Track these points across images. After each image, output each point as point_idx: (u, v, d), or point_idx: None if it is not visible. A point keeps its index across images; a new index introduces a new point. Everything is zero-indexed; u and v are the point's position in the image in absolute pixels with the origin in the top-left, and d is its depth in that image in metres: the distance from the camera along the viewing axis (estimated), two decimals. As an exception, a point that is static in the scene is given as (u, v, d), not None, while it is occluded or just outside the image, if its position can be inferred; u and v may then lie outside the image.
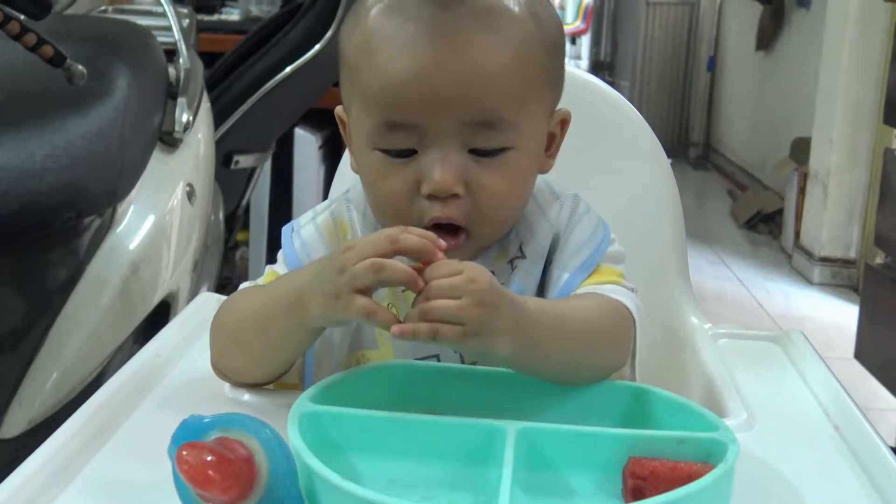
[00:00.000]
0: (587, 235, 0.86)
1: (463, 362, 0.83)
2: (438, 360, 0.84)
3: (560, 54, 0.85)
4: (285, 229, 0.88)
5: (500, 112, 0.78)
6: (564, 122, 0.87)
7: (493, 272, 0.72)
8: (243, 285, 0.86)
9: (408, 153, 0.78)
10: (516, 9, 0.79)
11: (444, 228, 0.78)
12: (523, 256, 0.86)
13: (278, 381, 0.82)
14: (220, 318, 0.82)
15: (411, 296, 0.80)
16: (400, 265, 0.70)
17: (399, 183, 0.78)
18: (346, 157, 1.18)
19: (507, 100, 0.78)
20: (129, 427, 0.76)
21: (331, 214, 0.87)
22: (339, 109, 0.86)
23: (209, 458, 0.58)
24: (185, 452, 0.58)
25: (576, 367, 0.77)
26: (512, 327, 0.71)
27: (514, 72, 0.78)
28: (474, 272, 0.70)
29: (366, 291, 0.70)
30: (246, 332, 0.78)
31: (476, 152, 0.78)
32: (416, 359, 0.83)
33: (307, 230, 0.87)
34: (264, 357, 0.79)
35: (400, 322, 0.69)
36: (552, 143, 0.87)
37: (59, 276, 1.41)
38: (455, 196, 0.77)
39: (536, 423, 0.69)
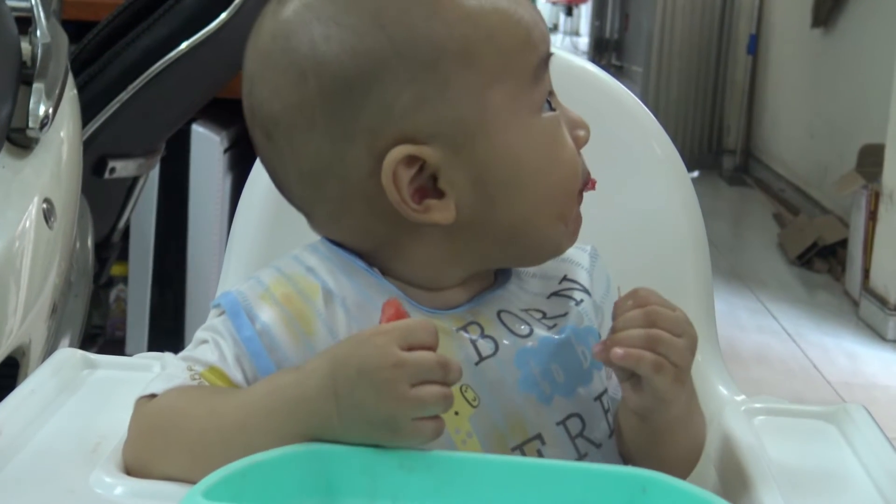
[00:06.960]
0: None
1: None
2: (523, 454, 0.89)
3: None
4: (227, 301, 0.89)
5: None
6: None
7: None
8: (173, 371, 0.87)
9: None
10: None
11: None
12: (581, 287, 0.97)
13: None
14: (175, 426, 0.84)
15: (486, 369, 0.87)
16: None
17: (568, 139, 0.92)
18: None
19: None
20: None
21: (295, 289, 0.89)
22: (407, 151, 0.86)
23: None
24: None
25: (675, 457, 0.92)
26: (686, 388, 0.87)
27: None
28: (683, 314, 0.86)
29: None
30: (232, 450, 0.79)
31: None
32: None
33: (269, 316, 0.88)
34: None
35: None
36: None
37: None
38: None
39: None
